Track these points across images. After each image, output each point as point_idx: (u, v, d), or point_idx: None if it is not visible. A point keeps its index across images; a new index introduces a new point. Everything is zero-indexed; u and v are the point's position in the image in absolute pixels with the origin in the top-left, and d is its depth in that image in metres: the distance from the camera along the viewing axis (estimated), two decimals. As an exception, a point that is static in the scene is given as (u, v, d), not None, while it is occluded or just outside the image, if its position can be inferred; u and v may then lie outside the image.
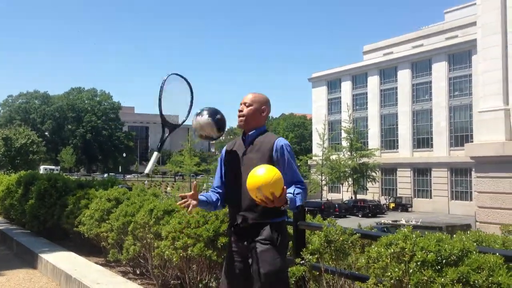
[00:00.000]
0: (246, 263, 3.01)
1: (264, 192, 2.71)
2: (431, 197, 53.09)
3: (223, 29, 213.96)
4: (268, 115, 3.32)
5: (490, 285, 2.29)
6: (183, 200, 3.03)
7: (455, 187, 51.12)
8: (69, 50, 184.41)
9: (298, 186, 2.99)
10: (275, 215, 3.00)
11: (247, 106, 3.19)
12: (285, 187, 2.77)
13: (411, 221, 32.41)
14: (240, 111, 3.22)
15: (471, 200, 45.30)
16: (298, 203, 2.93)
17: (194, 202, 3.02)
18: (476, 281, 2.31)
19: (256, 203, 2.85)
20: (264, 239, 2.96)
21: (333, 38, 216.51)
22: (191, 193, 3.05)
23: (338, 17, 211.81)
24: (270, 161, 3.00)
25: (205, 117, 3.22)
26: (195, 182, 3.47)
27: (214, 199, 3.24)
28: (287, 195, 2.83)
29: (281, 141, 3.08)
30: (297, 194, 2.93)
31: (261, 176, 2.74)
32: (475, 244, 2.59)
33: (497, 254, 2.47)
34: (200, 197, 3.15)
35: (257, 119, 3.20)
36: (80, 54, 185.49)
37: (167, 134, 3.54)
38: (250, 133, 3.19)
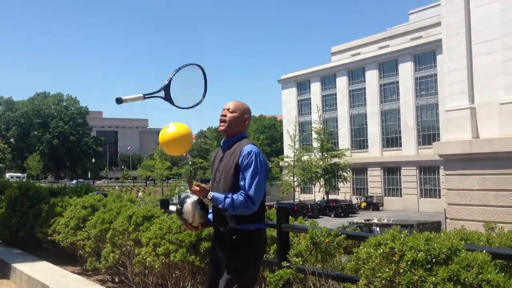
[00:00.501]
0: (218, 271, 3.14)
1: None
2: (401, 196, 54.04)
3: (191, 32, 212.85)
4: (248, 124, 3.36)
5: (480, 283, 2.34)
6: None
7: (424, 185, 52.17)
8: (34, 55, 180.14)
9: (240, 193, 3.00)
10: (247, 221, 3.06)
11: (231, 112, 3.24)
12: (203, 185, 3.03)
13: (383, 220, 32.93)
14: (223, 115, 3.25)
15: (439, 197, 46.38)
16: (225, 206, 2.97)
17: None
18: (467, 279, 2.35)
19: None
20: (228, 247, 3.06)
21: (301, 40, 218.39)
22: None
23: (306, 19, 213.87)
24: (238, 166, 3.07)
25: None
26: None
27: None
28: (215, 193, 3.01)
29: (249, 148, 3.11)
30: (228, 197, 2.98)
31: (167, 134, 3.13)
32: (462, 242, 2.64)
33: (484, 251, 2.53)
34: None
35: (238, 126, 3.26)
36: (46, 58, 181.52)
37: (159, 95, 3.40)
38: (227, 139, 3.26)
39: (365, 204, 53.73)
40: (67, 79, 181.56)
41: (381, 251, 2.68)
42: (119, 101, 3.21)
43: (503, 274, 2.43)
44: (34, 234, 8.05)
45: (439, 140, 39.11)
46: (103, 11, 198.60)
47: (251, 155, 3.06)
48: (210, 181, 3.39)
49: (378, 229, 26.97)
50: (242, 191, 3.00)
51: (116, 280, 6.20)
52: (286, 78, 66.94)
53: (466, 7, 14.99)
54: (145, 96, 3.35)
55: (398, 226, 2.91)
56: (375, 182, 56.07)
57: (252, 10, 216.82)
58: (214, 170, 3.26)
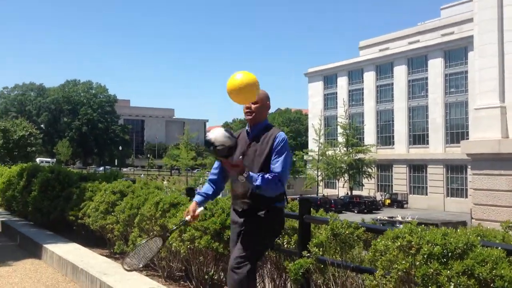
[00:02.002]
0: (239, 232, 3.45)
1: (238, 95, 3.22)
2: (426, 194, 53.35)
3: (220, 24, 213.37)
4: (269, 108, 3.65)
5: (493, 278, 2.42)
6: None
7: (451, 184, 51.37)
8: (65, 42, 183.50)
9: (273, 174, 3.25)
10: (276, 200, 3.37)
11: (254, 104, 3.48)
12: (240, 157, 3.24)
13: (407, 218, 32.65)
14: (248, 108, 3.49)
15: (466, 197, 45.60)
16: (257, 182, 3.16)
17: (196, 213, 3.55)
18: (481, 274, 2.44)
19: (251, 191, 3.27)
20: (251, 222, 3.36)
21: (329, 33, 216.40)
22: (190, 215, 3.54)
23: (335, 12, 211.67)
24: (271, 151, 3.34)
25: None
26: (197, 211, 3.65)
27: (211, 193, 3.66)
28: (250, 172, 3.17)
29: (282, 135, 3.42)
30: (261, 176, 3.20)
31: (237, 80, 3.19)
32: (478, 238, 2.71)
33: (499, 248, 2.60)
34: (199, 198, 3.62)
35: (263, 114, 3.54)
36: (76, 46, 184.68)
37: None
38: (255, 127, 3.51)
39: (389, 201, 53.28)
40: (97, 67, 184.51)
41: (399, 244, 2.78)
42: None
43: (516, 270, 2.50)
44: (64, 217, 8.35)
45: (468, 138, 38.42)
46: (131, 4, 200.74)
47: (284, 142, 3.37)
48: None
49: (401, 226, 26.76)
50: (274, 173, 3.26)
51: (142, 264, 6.42)
52: (313, 71, 66.59)
53: (499, 4, 14.72)
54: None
55: (409, 222, 2.99)
56: (400, 179, 55.49)
57: (281, 4, 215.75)
58: (240, 153, 3.42)
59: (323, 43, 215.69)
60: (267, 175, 3.22)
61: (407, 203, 53.53)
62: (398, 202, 53.09)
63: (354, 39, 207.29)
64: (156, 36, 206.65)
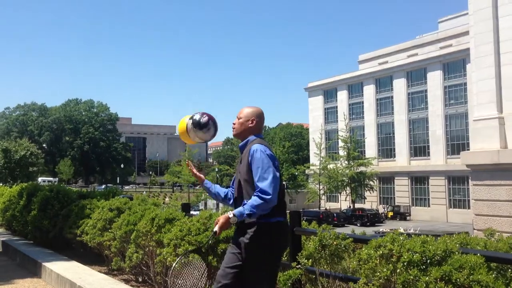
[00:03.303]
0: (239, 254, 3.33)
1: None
2: (429, 206, 53.19)
3: (222, 41, 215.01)
4: (259, 125, 3.59)
5: (470, 283, 2.49)
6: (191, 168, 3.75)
7: (453, 195, 51.25)
8: (65, 62, 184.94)
9: (256, 194, 3.18)
10: (267, 215, 3.25)
11: (238, 119, 3.61)
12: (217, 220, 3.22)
13: (409, 230, 32.54)
14: (234, 123, 3.64)
15: (469, 208, 45.39)
16: (246, 212, 3.14)
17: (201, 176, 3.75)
18: (458, 279, 2.51)
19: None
20: (247, 239, 3.26)
21: (329, 48, 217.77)
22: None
23: (333, 27, 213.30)
24: (250, 166, 3.32)
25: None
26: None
27: (222, 193, 3.74)
28: (235, 210, 3.19)
29: (254, 147, 3.34)
30: (244, 205, 3.18)
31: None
32: (457, 245, 2.78)
33: (478, 254, 2.67)
34: (207, 183, 3.81)
35: (246, 130, 3.55)
36: (77, 66, 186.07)
37: None
38: (241, 144, 3.61)
39: (392, 214, 53.13)
40: (98, 86, 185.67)
41: (380, 252, 2.86)
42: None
43: (494, 275, 2.57)
44: (63, 235, 8.42)
45: (468, 149, 38.48)
46: (131, 21, 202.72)
47: (255, 153, 3.30)
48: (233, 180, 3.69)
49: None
50: (257, 190, 3.20)
51: (140, 279, 6.48)
52: (313, 86, 66.94)
53: (495, 16, 14.88)
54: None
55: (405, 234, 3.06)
56: (402, 191, 55.39)
57: (281, 19, 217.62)
58: (236, 173, 3.55)
59: (322, 57, 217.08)
60: (250, 200, 3.18)
61: (409, 215, 53.35)
62: (400, 215, 52.92)
63: (353, 53, 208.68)
64: (157, 54, 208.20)
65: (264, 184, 3.18)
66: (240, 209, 3.19)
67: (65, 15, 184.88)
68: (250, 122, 3.54)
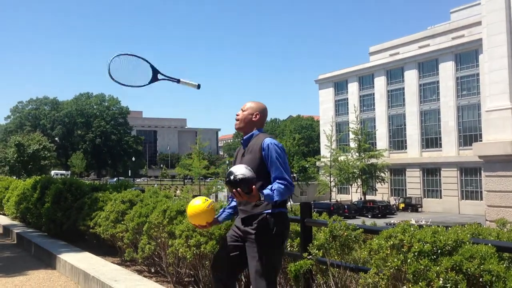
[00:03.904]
0: (240, 246, 3.44)
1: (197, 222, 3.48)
2: (441, 197, 52.97)
3: (229, 34, 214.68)
4: (262, 120, 3.67)
5: (481, 273, 2.49)
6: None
7: (465, 186, 50.96)
8: (77, 56, 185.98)
9: (280, 182, 3.30)
10: (268, 207, 3.35)
11: (243, 111, 3.65)
12: (254, 186, 3.13)
13: (421, 221, 32.43)
14: (237, 115, 3.67)
15: (481, 199, 45.09)
16: (276, 198, 3.25)
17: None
18: (469, 269, 2.51)
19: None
20: (254, 230, 3.35)
21: (339, 40, 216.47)
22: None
23: (344, 19, 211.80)
24: (261, 159, 3.39)
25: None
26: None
27: (233, 207, 3.75)
28: (264, 191, 3.22)
29: (267, 141, 3.43)
30: (274, 189, 3.27)
31: (194, 206, 3.45)
32: (468, 235, 2.79)
33: (489, 244, 2.67)
34: (222, 217, 3.75)
35: (250, 123, 3.61)
36: (88, 59, 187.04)
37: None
38: (245, 137, 3.64)
39: (403, 205, 52.98)
40: (108, 80, 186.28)
41: (391, 242, 2.87)
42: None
43: (505, 265, 2.57)
44: (77, 227, 8.53)
45: (481, 141, 38.13)
46: (140, 14, 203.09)
47: (271, 145, 3.39)
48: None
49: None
50: (278, 179, 3.32)
51: (152, 270, 6.56)
52: (324, 78, 66.70)
53: (507, 6, 14.71)
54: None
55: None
56: (413, 183, 55.17)
57: (291, 12, 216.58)
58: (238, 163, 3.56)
59: (333, 49, 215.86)
60: (275, 186, 3.28)
61: (421, 206, 53.17)
62: (412, 206, 52.76)
63: (364, 44, 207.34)
64: (165, 46, 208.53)
65: (287, 174, 3.34)
66: (269, 192, 3.25)
67: (74, 9, 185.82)
68: (254, 116, 3.61)
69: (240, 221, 3.50)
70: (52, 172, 54.14)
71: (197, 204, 3.49)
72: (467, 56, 50.73)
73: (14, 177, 27.79)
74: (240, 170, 3.19)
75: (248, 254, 3.36)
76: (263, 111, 3.66)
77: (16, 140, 37.75)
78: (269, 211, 3.36)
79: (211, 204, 3.52)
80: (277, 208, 3.39)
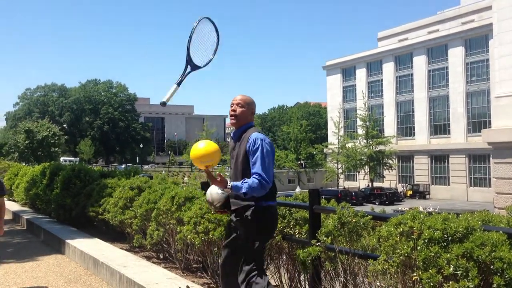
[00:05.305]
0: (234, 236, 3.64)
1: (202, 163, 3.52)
2: (449, 184, 52.75)
3: (238, 19, 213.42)
4: (253, 114, 3.76)
5: (492, 260, 2.47)
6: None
7: (474, 173, 50.69)
8: (84, 43, 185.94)
9: (255, 177, 3.35)
10: (263, 198, 3.45)
11: (240, 107, 3.66)
12: (221, 174, 3.40)
13: (429, 208, 32.35)
14: (233, 111, 3.67)
15: (490, 186, 44.91)
16: (243, 190, 3.33)
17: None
18: (480, 256, 2.49)
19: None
20: (239, 222, 3.52)
21: (347, 25, 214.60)
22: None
23: (353, 4, 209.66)
24: (246, 152, 3.48)
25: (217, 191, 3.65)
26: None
27: None
28: (234, 182, 3.38)
29: (254, 135, 3.49)
30: (246, 182, 3.34)
31: (200, 149, 3.51)
32: (479, 222, 2.76)
33: (501, 232, 2.65)
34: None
35: (247, 118, 3.67)
36: (96, 46, 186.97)
37: (188, 71, 3.84)
38: (236, 130, 3.69)
39: (411, 192, 52.87)
40: (116, 67, 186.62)
41: (401, 229, 2.85)
42: (163, 104, 3.64)
43: (516, 252, 2.54)
44: (85, 213, 8.59)
45: (490, 127, 37.78)
46: (148, 3, 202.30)
47: (256, 141, 3.44)
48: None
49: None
50: (254, 174, 3.37)
51: (161, 256, 6.60)
52: (331, 64, 66.25)
53: (518, -10, 14.49)
54: (178, 84, 3.69)
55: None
56: (421, 170, 54.96)
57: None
58: (230, 159, 3.69)
59: (341, 35, 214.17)
60: (249, 181, 3.34)
61: (429, 193, 53.02)
62: (420, 193, 52.64)
63: (372, 30, 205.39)
64: (174, 34, 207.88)
65: (264, 171, 3.36)
66: (238, 184, 3.36)
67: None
68: (252, 111, 3.71)
69: (233, 213, 3.62)
70: (61, 159, 54.51)
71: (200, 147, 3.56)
72: (477, 41, 50.11)
73: (24, 164, 28.01)
74: (216, 198, 3.55)
75: (238, 250, 3.55)
76: (254, 104, 3.75)
77: (25, 126, 37.93)
78: (254, 204, 3.44)
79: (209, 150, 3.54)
80: (265, 201, 3.47)
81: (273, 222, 3.63)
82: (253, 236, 3.47)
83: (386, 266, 2.87)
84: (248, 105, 3.67)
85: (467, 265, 2.48)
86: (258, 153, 3.40)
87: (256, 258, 3.49)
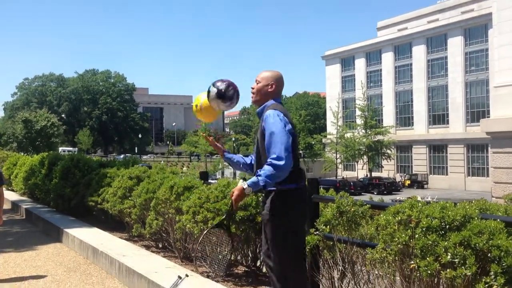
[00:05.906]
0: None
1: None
2: (447, 174, 52.91)
3: (237, 9, 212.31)
4: (279, 89, 3.47)
5: (490, 248, 2.48)
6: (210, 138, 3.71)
7: (472, 163, 50.84)
8: (82, 32, 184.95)
9: (269, 163, 3.05)
10: (282, 182, 3.15)
11: (257, 83, 3.47)
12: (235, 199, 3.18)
13: (427, 198, 32.41)
14: (252, 88, 3.50)
15: (488, 176, 45.02)
16: (262, 184, 3.04)
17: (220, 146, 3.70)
18: (477, 244, 2.50)
19: None
20: (267, 208, 3.23)
21: (347, 15, 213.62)
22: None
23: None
24: (262, 133, 3.23)
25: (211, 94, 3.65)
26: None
27: (248, 160, 3.67)
28: (249, 180, 3.10)
29: (267, 112, 3.22)
30: (258, 175, 3.06)
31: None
32: (477, 211, 2.77)
33: (498, 220, 2.66)
34: (227, 153, 3.72)
35: (265, 94, 3.42)
36: (94, 35, 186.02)
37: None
38: (258, 109, 3.47)
39: (409, 182, 53.04)
40: (114, 56, 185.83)
41: (399, 218, 2.86)
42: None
43: (513, 240, 2.56)
44: (84, 203, 8.61)
45: (489, 117, 37.78)
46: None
47: (268, 118, 3.18)
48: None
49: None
50: (269, 160, 3.07)
51: (160, 245, 6.62)
52: (330, 54, 66.07)
53: (518, -21, 14.41)
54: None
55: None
56: (420, 160, 55.09)
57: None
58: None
59: (340, 25, 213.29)
60: (262, 171, 3.05)
61: (427, 183, 53.20)
62: (418, 183, 52.82)
63: (372, 20, 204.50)
64: (173, 24, 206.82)
65: (277, 150, 3.05)
66: (254, 179, 3.08)
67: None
68: (270, 86, 3.41)
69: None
70: (60, 149, 54.47)
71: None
72: (476, 31, 49.99)
73: (22, 154, 27.99)
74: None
75: (268, 244, 3.31)
76: (278, 80, 3.44)
77: (23, 116, 37.86)
78: (274, 188, 3.16)
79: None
80: (286, 185, 3.16)
81: (303, 207, 3.31)
82: (273, 227, 3.19)
83: (384, 255, 2.89)
84: (265, 80, 3.40)
85: (464, 253, 2.49)
86: (269, 131, 3.10)
87: (286, 253, 3.19)
